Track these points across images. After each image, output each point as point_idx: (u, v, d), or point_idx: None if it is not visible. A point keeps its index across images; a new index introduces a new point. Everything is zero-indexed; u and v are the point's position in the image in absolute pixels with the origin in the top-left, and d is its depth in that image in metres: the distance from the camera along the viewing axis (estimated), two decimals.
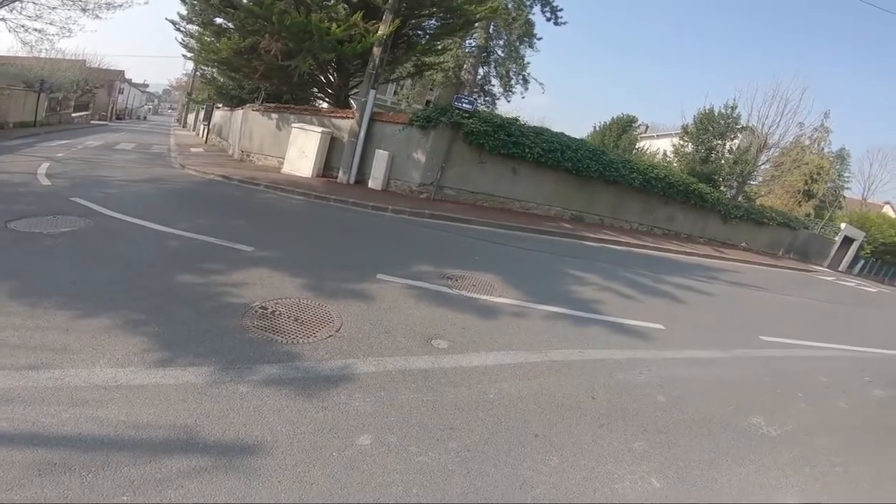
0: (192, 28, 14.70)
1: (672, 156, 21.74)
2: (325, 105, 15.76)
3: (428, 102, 25.30)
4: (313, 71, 12.79)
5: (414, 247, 7.35)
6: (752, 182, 22.96)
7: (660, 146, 25.75)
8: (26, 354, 2.81)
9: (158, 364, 2.95)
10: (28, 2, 15.32)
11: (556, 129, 13.26)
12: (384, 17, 11.21)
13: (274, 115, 13.78)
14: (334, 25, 10.42)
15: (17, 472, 1.97)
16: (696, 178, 16.70)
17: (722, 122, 19.93)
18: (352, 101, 14.46)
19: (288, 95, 15.87)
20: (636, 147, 29.33)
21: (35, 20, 15.69)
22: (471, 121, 11.35)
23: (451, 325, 4.37)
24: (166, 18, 15.92)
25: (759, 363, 5.28)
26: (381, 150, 11.73)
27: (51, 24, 16.14)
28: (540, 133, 12.39)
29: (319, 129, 12.21)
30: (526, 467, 2.65)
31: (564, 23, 20.77)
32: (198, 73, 30.24)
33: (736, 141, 20.55)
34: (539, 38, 20.83)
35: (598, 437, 3.09)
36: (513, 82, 21.84)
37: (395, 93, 27.43)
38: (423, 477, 2.41)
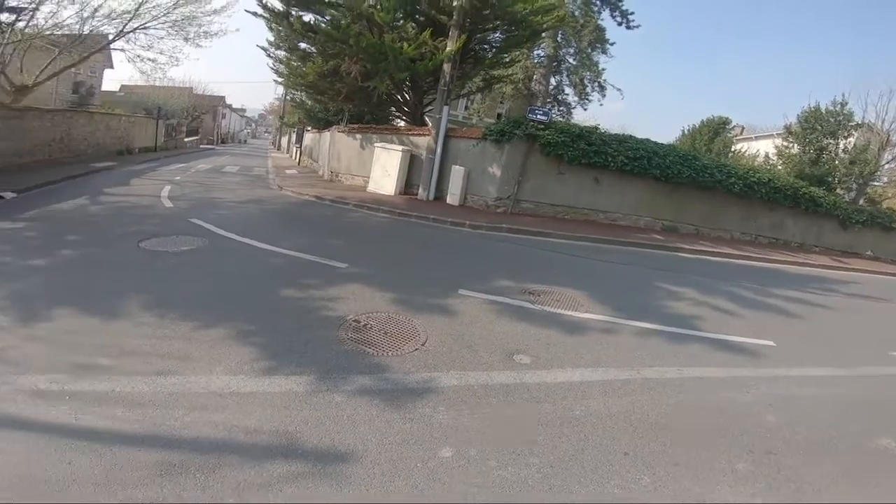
0: (280, 54, 16.00)
1: (775, 158, 19.71)
2: (402, 123, 16.39)
3: (499, 116, 25.38)
4: (390, 90, 13.36)
5: (493, 262, 7.36)
6: (875, 183, 20.13)
7: (759, 148, 23.47)
8: (156, 361, 3.21)
9: (265, 372, 3.23)
10: (140, 32, 17.51)
11: (638, 135, 12.69)
12: (450, 34, 11.47)
13: (357, 136, 14.59)
14: (406, 45, 10.86)
15: (143, 472, 2.23)
16: (805, 180, 15.00)
17: (832, 119, 17.76)
18: (427, 119, 14.91)
19: (369, 116, 16.69)
20: (732, 150, 27.02)
21: (147, 50, 17.91)
22: (547, 132, 11.19)
23: (534, 340, 4.31)
24: (257, 45, 17.60)
25: (889, 382, 4.65)
26: (457, 166, 11.94)
27: (161, 53, 18.32)
28: (623, 140, 11.89)
29: (399, 148, 12.72)
30: (613, 485, 2.54)
31: (637, 26, 19.95)
32: (288, 98, 32.67)
33: (851, 139, 18.20)
34: (612, 44, 20.15)
35: (697, 457, 2.89)
36: (588, 90, 21.26)
37: (466, 108, 27.79)
38: (503, 491, 2.40)
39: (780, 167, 18.68)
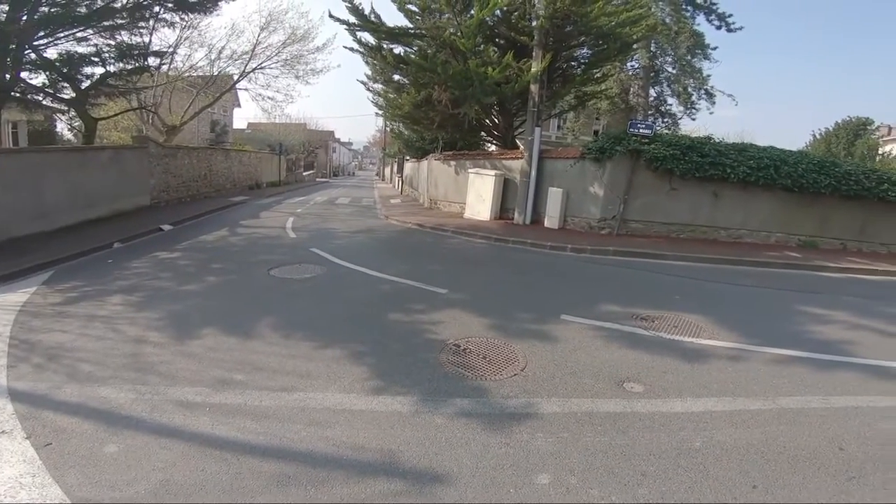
0: (378, 87, 17.22)
1: None
2: (493, 148, 16.58)
3: (595, 133, 24.55)
4: (479, 116, 13.63)
5: (598, 286, 7.04)
6: None
7: None
8: (282, 378, 3.56)
9: (374, 392, 3.42)
10: (258, 72, 20.01)
11: (760, 143, 11.41)
12: (534, 54, 11.41)
13: (452, 163, 15.06)
14: (490, 69, 11.01)
15: (262, 482, 2.45)
16: None
17: None
18: (518, 142, 14.92)
19: (461, 142, 17.16)
20: (880, 153, 23.16)
21: (266, 88, 20.49)
22: (652, 146, 10.54)
23: (647, 368, 4.02)
24: (357, 80, 19.08)
25: None
26: (553, 188, 11.71)
27: (277, 91, 20.83)
28: (743, 150, 10.77)
29: (493, 173, 12.85)
30: None
31: (739, 28, 18.54)
32: (387, 129, 34.99)
33: None
34: (714, 48, 18.75)
35: (844, 492, 2.51)
36: (693, 98, 19.84)
37: (559, 127, 27.33)
38: None
39: None
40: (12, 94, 10.56)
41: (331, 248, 8.59)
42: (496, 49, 13.31)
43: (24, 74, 10.90)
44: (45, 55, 10.93)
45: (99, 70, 11.83)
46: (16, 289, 5.73)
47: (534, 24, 11.50)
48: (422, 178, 18.48)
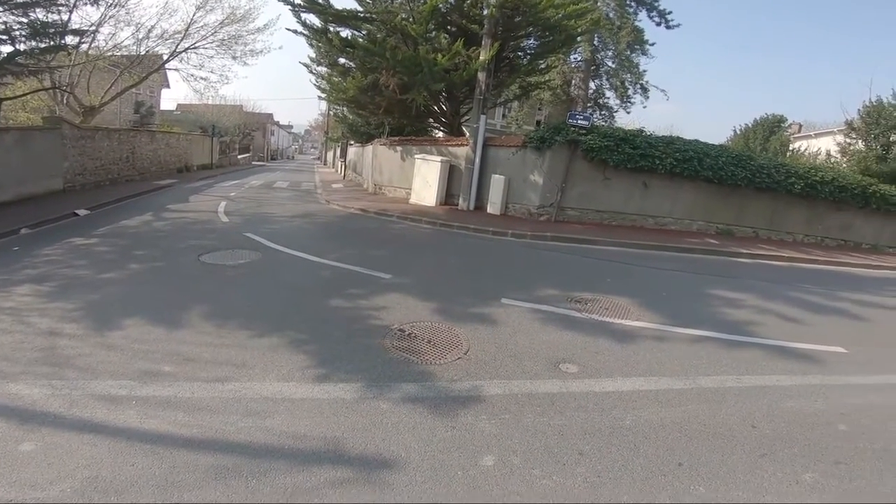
0: (322, 70, 16.58)
1: (839, 155, 18.41)
2: (440, 134, 16.57)
3: (538, 123, 25.20)
4: (427, 102, 13.57)
5: (537, 270, 7.27)
6: None
7: (820, 146, 21.98)
8: (215, 368, 3.40)
9: (315, 380, 3.34)
10: (191, 52, 18.71)
11: (688, 137, 12.21)
12: (483, 43, 11.51)
13: (398, 148, 14.88)
14: (440, 56, 10.98)
15: (198, 476, 2.35)
16: (874, 178, 13.88)
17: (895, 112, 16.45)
18: (464, 129, 15.01)
19: (408, 128, 16.99)
20: (790, 149, 25.51)
21: (199, 69, 19.14)
22: (589, 137, 10.98)
23: (581, 349, 4.22)
24: (300, 62, 18.17)
25: None
26: (496, 175, 11.91)
27: (211, 72, 19.65)
28: (671, 142, 11.47)
29: (439, 159, 12.85)
30: (666, 496, 2.45)
31: (676, 25, 19.56)
32: (331, 113, 33.86)
33: None
34: (651, 44, 19.73)
35: (758, 468, 2.75)
36: (630, 92, 20.83)
37: (504, 116, 27.76)
38: (546, 501, 2.35)
39: (844, 165, 17.42)
40: None
41: (267, 232, 8.23)
42: (447, 36, 13.21)
43: None
44: None
45: (7, 48, 10.54)
46: None
47: (485, 12, 11.52)
48: (366, 163, 18.13)
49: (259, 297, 4.99)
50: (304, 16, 12.77)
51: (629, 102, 21.23)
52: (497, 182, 11.82)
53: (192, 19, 17.86)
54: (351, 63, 14.03)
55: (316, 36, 13.30)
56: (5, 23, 10.23)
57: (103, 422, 2.71)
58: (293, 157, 70.42)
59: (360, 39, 12.60)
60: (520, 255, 8.14)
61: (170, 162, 20.33)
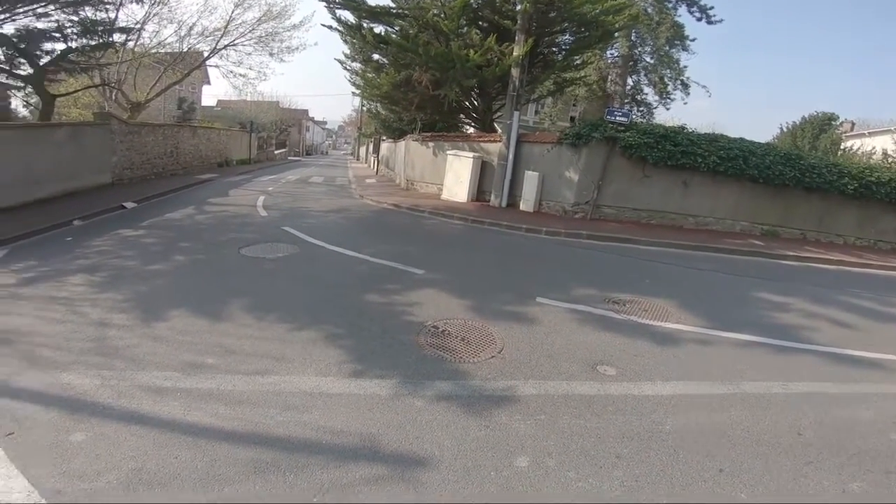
0: (356, 66, 16.74)
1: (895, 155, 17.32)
2: (472, 130, 16.47)
3: (572, 119, 24.71)
4: (459, 98, 13.51)
5: (572, 269, 7.14)
6: None
7: (875, 145, 20.70)
8: (255, 361, 3.47)
9: (351, 375, 3.37)
10: (230, 49, 19.28)
11: (730, 135, 11.71)
12: (516, 39, 11.32)
13: (430, 144, 14.89)
14: (472, 52, 10.89)
15: (238, 469, 2.39)
16: None
17: None
18: (497, 125, 14.85)
19: (440, 124, 16.98)
20: (841, 148, 24.16)
21: (238, 65, 19.72)
22: (628, 133, 10.68)
23: (620, 351, 4.12)
24: (335, 59, 18.44)
25: None
26: (530, 172, 11.75)
27: (250, 68, 20.10)
28: (714, 140, 11.03)
29: (471, 155, 12.78)
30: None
31: (719, 21, 18.75)
32: (364, 109, 34.22)
33: None
34: (692, 40, 19.00)
35: (802, 476, 2.65)
36: (669, 88, 20.13)
37: (537, 112, 27.31)
38: (582, 503, 2.31)
39: None
40: None
41: (304, 226, 8.39)
42: (479, 32, 13.09)
43: None
44: (1, 31, 10.24)
45: (60, 46, 11.13)
46: None
47: (518, 8, 11.36)
48: (399, 159, 18.23)
49: (297, 291, 5.09)
50: (338, 12, 12.94)
51: (669, 99, 20.56)
52: (531, 179, 11.66)
53: (230, 16, 18.42)
54: (384, 59, 14.10)
55: (350, 32, 13.44)
56: (58, 21, 10.79)
57: (149, 413, 2.81)
58: (327, 152, 71.63)
59: (394, 35, 12.64)
60: (554, 253, 8.01)
61: (210, 157, 21.01)
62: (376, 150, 27.97)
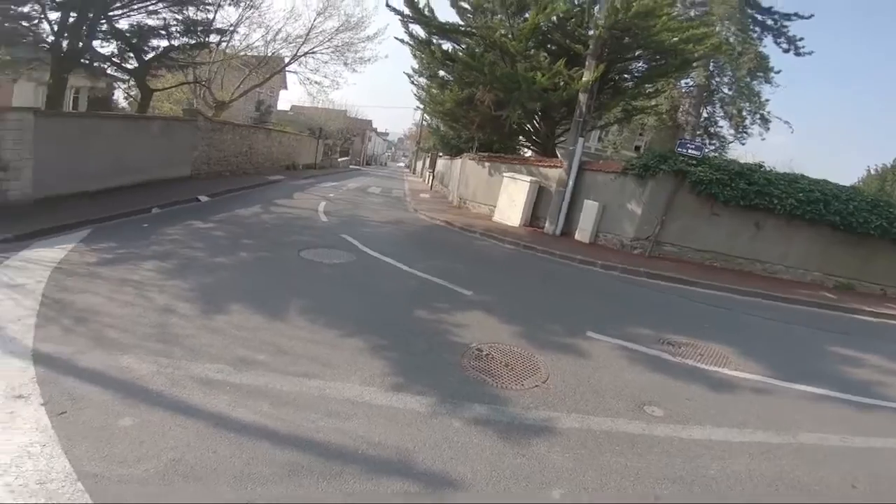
0: (423, 81, 17.14)
1: None
2: (530, 154, 16.37)
3: (637, 148, 24.04)
4: (521, 120, 13.45)
5: (627, 306, 6.88)
6: None
7: None
8: (304, 363, 3.57)
9: (394, 388, 3.39)
10: (309, 56, 20.33)
11: (810, 174, 10.93)
12: (587, 64, 11.17)
13: (486, 164, 14.90)
14: (539, 74, 10.82)
15: (274, 470, 2.43)
16: None
17: None
18: (558, 150, 14.67)
19: (498, 145, 16.99)
20: None
21: (315, 73, 20.76)
22: (699, 168, 10.21)
23: (670, 393, 3.92)
24: (403, 72, 18.96)
25: None
26: (589, 201, 11.48)
27: (325, 76, 21.10)
28: (794, 181, 10.33)
29: (528, 179, 12.68)
30: None
31: (808, 53, 17.65)
32: (425, 124, 34.86)
33: None
34: (777, 72, 17.94)
35: None
36: (747, 122, 19.12)
37: (600, 139, 26.78)
38: None
39: None
40: (82, 60, 10.98)
41: (360, 235, 8.63)
42: (547, 55, 13.11)
43: (94, 43, 11.35)
44: (117, 25, 11.35)
45: (164, 43, 12.20)
46: (55, 244, 5.91)
47: (590, 33, 11.28)
48: (454, 176, 18.44)
49: (349, 299, 5.22)
50: (411, 26, 13.32)
51: (745, 133, 19.58)
52: (590, 208, 11.39)
53: (312, 24, 19.50)
54: (450, 76, 14.35)
55: (420, 47, 13.83)
56: (165, 19, 11.86)
57: (197, 405, 2.90)
58: (385, 163, 73.49)
59: (460, 53, 12.88)
60: (609, 287, 7.75)
61: (280, 159, 22.17)
62: (432, 165, 28.44)
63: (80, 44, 10.52)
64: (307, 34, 19.57)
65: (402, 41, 13.99)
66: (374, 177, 31.11)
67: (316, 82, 21.14)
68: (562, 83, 11.23)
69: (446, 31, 12.88)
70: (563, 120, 13.77)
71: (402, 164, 72.48)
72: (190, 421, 2.75)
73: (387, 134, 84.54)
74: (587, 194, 11.70)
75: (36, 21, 10.18)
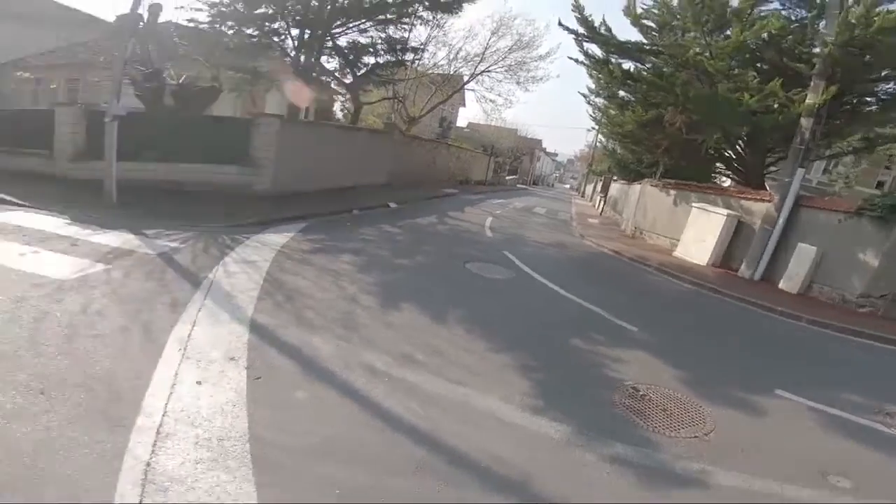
0: (599, 101, 16.46)
1: None
2: (728, 183, 14.32)
3: (880, 185, 19.07)
4: (719, 145, 11.88)
5: (839, 368, 5.57)
6: None
7: None
8: (454, 369, 3.77)
9: (533, 410, 3.37)
10: (485, 75, 21.32)
11: None
12: (812, 84, 9.26)
13: (672, 192, 13.51)
14: (746, 96, 9.40)
15: (404, 464, 2.55)
16: None
17: None
18: (767, 182, 12.51)
19: (688, 171, 15.30)
20: None
21: (489, 91, 21.72)
22: None
23: (869, 465, 3.23)
24: (578, 92, 18.41)
25: None
26: (804, 245, 9.49)
27: (498, 95, 22.08)
28: None
29: (724, 212, 11.08)
30: None
31: None
32: (598, 146, 33.49)
33: None
34: None
35: None
36: None
37: (826, 171, 21.90)
38: None
39: None
40: (313, 74, 13.60)
41: (522, 255, 8.75)
42: (756, 74, 11.45)
43: (322, 59, 13.87)
44: (338, 42, 13.74)
45: (371, 60, 14.26)
46: (281, 231, 7.45)
47: (815, 50, 9.52)
48: (629, 203, 17.27)
49: (506, 315, 5.37)
50: (585, 45, 12.90)
51: None
52: (804, 253, 9.43)
53: (487, 43, 20.76)
54: (631, 96, 13.53)
55: (596, 66, 13.29)
56: (371, 37, 13.86)
57: (359, 389, 3.25)
58: (552, 184, 72.25)
59: (644, 73, 12.07)
60: (817, 345, 6.37)
61: (456, 173, 23.88)
62: (604, 189, 27.08)
63: (312, 58, 12.94)
64: (483, 52, 20.83)
65: (576, 61, 13.61)
66: (540, 197, 31.03)
67: (490, 100, 22.27)
68: (776, 105, 9.65)
69: (626, 49, 12.19)
70: (776, 147, 11.79)
71: (568, 186, 70.67)
72: (349, 403, 3.05)
73: (556, 154, 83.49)
74: (802, 236, 9.75)
75: (283, 37, 12.87)
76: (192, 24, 11.94)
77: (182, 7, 11.50)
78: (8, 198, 7.23)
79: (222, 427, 2.61)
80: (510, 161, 43.51)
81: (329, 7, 12.23)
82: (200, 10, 11.60)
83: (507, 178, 38.59)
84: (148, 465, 2.25)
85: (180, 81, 10.53)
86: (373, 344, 3.98)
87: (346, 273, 5.85)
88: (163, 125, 9.72)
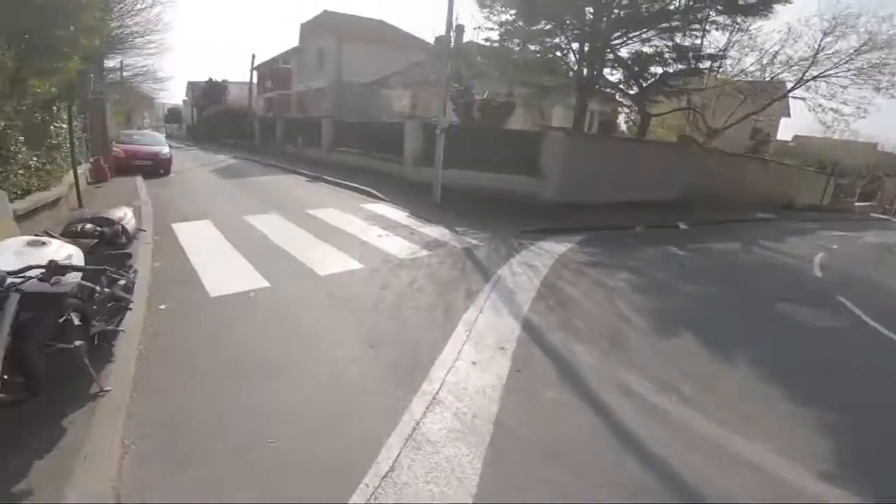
0: None
1: None
2: None
3: None
4: None
5: None
6: None
7: None
8: (724, 411, 3.23)
9: (820, 475, 2.68)
10: (820, 80, 16.41)
11: None
12: None
13: None
14: None
15: (622, 485, 2.41)
16: None
17: None
18: None
19: None
20: None
21: (829, 99, 16.55)
22: None
23: None
24: None
25: None
26: None
27: (844, 103, 16.44)
28: None
29: None
30: None
31: None
32: None
33: None
34: None
35: None
36: None
37: None
38: None
39: None
40: (596, 86, 13.58)
41: (867, 303, 6.49)
42: None
43: (605, 71, 13.63)
44: (619, 54, 13.24)
45: (659, 69, 13.22)
46: (561, 241, 7.82)
47: None
48: None
49: (823, 368, 4.28)
50: None
51: None
52: None
53: (819, 46, 16.08)
54: None
55: None
56: (656, 46, 12.73)
57: (606, 403, 3.17)
58: None
59: None
60: None
61: (773, 195, 19.60)
62: None
63: (595, 71, 12.87)
64: (814, 56, 16.29)
65: None
66: None
67: (831, 109, 17.11)
68: None
69: None
70: None
71: None
72: (592, 415, 3.03)
73: None
74: None
75: (565, 51, 13.22)
76: (487, 43, 13.52)
77: (479, 28, 13.30)
78: (377, 193, 10.49)
79: (479, 406, 2.97)
80: (863, 183, 32.62)
81: (605, 19, 12.02)
82: (493, 28, 13.12)
83: (857, 204, 28.97)
84: (417, 424, 2.73)
85: (485, 97, 12.29)
86: (634, 365, 3.82)
87: (619, 290, 5.73)
88: (472, 137, 11.67)
